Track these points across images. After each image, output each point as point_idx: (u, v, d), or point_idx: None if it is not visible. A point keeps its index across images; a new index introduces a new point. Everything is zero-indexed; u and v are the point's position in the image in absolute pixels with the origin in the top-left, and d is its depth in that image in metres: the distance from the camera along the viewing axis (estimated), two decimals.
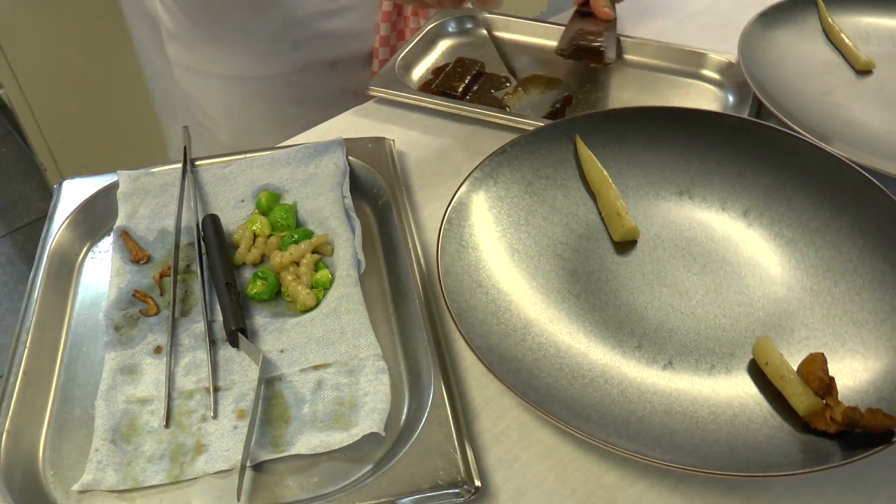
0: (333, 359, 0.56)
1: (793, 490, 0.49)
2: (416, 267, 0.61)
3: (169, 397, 0.54)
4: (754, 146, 0.66)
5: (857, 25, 0.84)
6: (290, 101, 1.00)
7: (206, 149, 0.97)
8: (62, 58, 1.79)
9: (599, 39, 0.84)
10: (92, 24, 1.79)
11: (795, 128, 0.68)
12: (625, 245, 0.63)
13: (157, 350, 0.57)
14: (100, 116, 1.92)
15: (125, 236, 0.64)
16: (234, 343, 0.57)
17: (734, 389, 0.53)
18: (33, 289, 0.61)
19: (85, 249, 0.65)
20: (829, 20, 0.84)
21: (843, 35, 0.82)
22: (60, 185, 0.68)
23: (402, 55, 0.85)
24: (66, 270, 0.63)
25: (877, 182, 0.61)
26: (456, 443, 0.50)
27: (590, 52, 0.83)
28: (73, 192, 0.67)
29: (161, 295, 0.61)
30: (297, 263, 0.62)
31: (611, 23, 0.88)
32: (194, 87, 1.03)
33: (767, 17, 0.83)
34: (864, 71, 0.80)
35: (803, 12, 0.85)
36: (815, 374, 0.50)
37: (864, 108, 0.76)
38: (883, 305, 0.56)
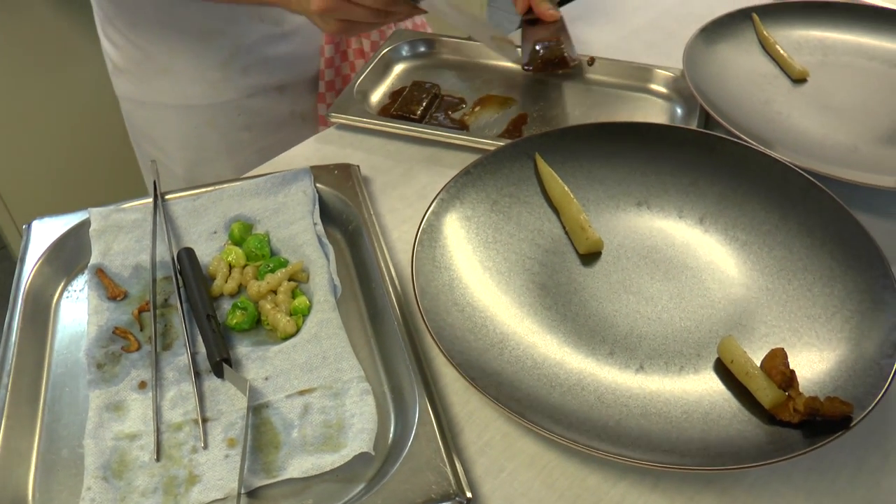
0: (318, 383, 0.58)
1: (764, 479, 0.52)
2: (391, 289, 0.63)
3: (158, 431, 0.55)
4: (705, 156, 0.69)
5: (790, 37, 0.90)
6: (241, 128, 1.01)
7: (162, 183, 0.97)
8: (5, 99, 1.76)
9: (560, 46, 0.88)
10: (37, 65, 1.77)
11: (741, 136, 0.72)
12: (590, 257, 0.65)
13: (142, 385, 0.58)
14: (47, 156, 1.89)
15: (100, 274, 0.64)
16: (219, 374, 0.58)
17: (703, 388, 0.56)
18: (10, 332, 0.61)
19: (59, 289, 0.66)
20: (765, 33, 0.89)
21: (778, 46, 0.87)
22: (30, 225, 0.68)
23: (358, 81, 0.86)
24: (41, 311, 0.64)
25: (819, 184, 0.66)
26: (445, 457, 0.52)
27: (555, 62, 0.88)
28: (44, 233, 0.67)
29: (141, 330, 0.62)
30: (275, 292, 0.63)
31: (559, 23, 0.92)
32: (144, 120, 1.03)
33: (708, 32, 0.87)
34: (799, 80, 0.85)
35: (740, 26, 0.90)
36: (778, 368, 0.53)
37: (802, 115, 0.80)
38: (832, 299, 0.60)
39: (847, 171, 0.70)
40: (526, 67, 0.88)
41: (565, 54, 0.87)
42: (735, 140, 0.70)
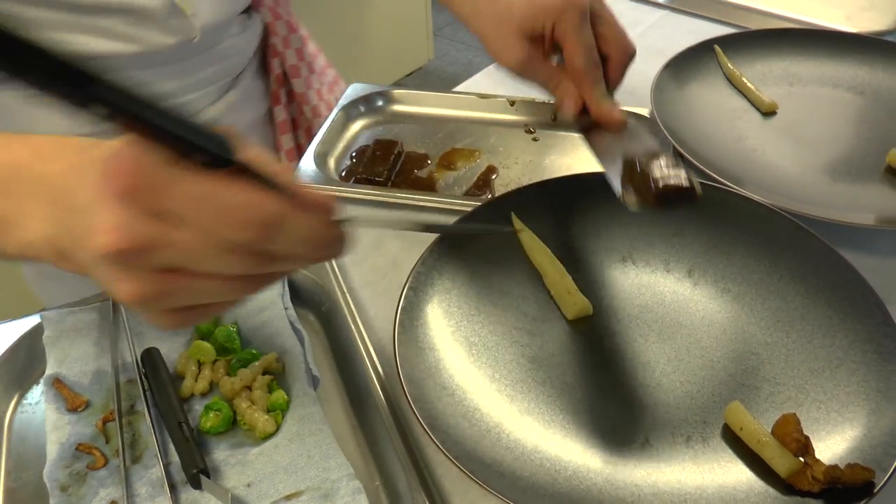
0: (305, 485, 0.54)
1: None
2: (373, 373, 0.59)
3: None
4: None
5: (754, 68, 0.88)
6: None
7: None
8: None
9: (676, 170, 0.56)
10: None
11: (717, 177, 0.70)
12: (579, 322, 0.62)
13: None
14: None
15: (58, 384, 0.60)
16: (197, 485, 0.54)
17: (714, 458, 0.53)
18: None
19: (13, 405, 0.60)
20: (730, 66, 0.87)
21: (744, 79, 0.86)
22: None
23: (316, 144, 0.83)
24: None
25: (805, 227, 0.64)
26: None
27: (679, 194, 0.55)
28: None
29: (107, 443, 0.57)
30: (250, 388, 0.59)
31: (623, 125, 0.66)
32: None
33: (672, 68, 0.85)
34: (769, 112, 0.83)
35: (704, 59, 0.88)
36: (791, 435, 0.51)
37: (776, 150, 0.79)
38: (834, 350, 0.58)
39: (828, 210, 0.68)
40: (644, 205, 0.56)
41: (691, 182, 0.56)
42: (716, 185, 0.68)
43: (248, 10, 0.89)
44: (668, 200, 0.55)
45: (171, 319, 0.40)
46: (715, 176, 0.71)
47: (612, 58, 0.67)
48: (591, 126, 0.67)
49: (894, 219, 0.69)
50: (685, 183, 0.55)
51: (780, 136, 0.81)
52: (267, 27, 0.93)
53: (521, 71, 0.68)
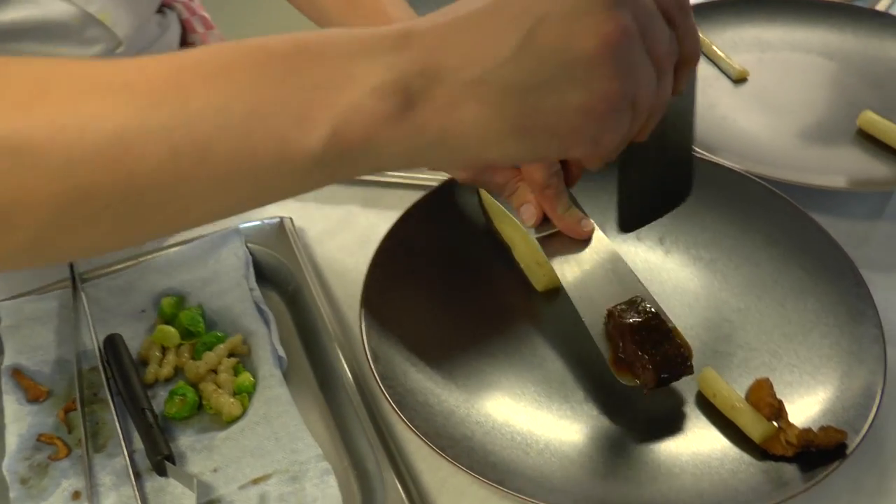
0: (272, 468, 0.53)
1: None
2: (340, 353, 0.58)
3: None
4: None
5: (724, 36, 0.87)
6: None
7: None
8: None
9: (679, 348, 0.51)
10: None
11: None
12: (550, 293, 0.61)
13: (76, 496, 0.52)
14: None
15: (17, 375, 0.58)
16: (162, 472, 0.53)
17: (688, 426, 0.53)
18: None
19: None
20: (699, 34, 0.86)
21: (714, 47, 0.84)
22: None
23: None
24: None
25: (778, 191, 0.63)
26: None
27: (675, 364, 0.51)
28: None
29: (69, 433, 0.56)
30: (215, 371, 0.58)
31: (590, 237, 0.58)
32: None
33: None
34: (739, 80, 0.82)
35: None
36: (765, 400, 0.50)
37: (747, 118, 0.78)
38: (807, 314, 0.57)
39: (800, 174, 0.67)
40: (645, 388, 0.51)
41: (687, 360, 0.51)
42: None
43: (162, 10, 0.87)
44: (666, 378, 0.50)
45: (618, 91, 0.38)
46: None
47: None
48: (550, 234, 0.57)
49: (865, 181, 0.69)
50: (680, 353, 0.50)
51: (751, 103, 0.80)
52: (184, 25, 0.91)
53: (472, 182, 0.60)
